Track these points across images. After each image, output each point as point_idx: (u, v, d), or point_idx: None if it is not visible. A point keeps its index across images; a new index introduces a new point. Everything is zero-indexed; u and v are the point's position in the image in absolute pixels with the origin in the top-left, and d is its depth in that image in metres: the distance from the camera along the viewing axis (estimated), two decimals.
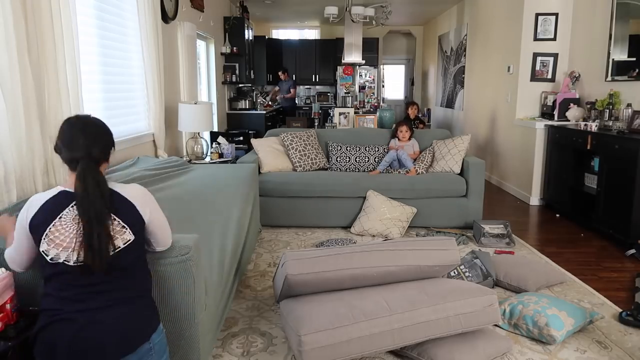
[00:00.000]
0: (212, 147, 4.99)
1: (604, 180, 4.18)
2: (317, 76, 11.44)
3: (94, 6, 3.43)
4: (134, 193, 1.65)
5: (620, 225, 3.93)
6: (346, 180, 4.40)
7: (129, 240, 1.58)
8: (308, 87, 11.70)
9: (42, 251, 1.52)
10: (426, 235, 4.19)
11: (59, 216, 1.53)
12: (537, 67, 5.64)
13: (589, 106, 4.93)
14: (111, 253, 1.52)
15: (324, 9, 6.80)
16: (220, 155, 4.89)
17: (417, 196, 4.36)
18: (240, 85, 8.26)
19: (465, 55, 8.19)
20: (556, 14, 5.47)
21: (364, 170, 4.73)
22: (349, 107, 8.34)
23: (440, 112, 10.08)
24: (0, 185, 2.22)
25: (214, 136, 5.64)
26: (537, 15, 5.52)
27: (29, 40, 2.41)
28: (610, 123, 4.39)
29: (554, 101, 5.31)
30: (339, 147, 4.79)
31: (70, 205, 1.53)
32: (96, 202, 1.50)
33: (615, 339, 2.53)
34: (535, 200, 5.46)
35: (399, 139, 4.78)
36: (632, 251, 3.76)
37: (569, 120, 5.06)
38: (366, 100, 9.01)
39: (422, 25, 11.78)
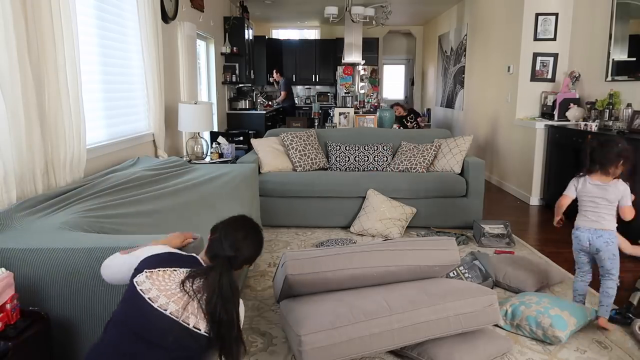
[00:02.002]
0: (212, 147, 4.99)
1: None
2: (317, 76, 11.44)
3: (94, 6, 3.43)
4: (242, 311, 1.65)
5: (620, 226, 3.92)
6: (346, 180, 4.40)
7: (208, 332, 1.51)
8: (308, 87, 11.70)
9: (137, 285, 1.47)
10: (426, 235, 4.19)
11: (173, 268, 1.53)
12: (537, 67, 5.64)
13: (589, 106, 4.94)
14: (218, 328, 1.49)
15: (324, 9, 6.80)
16: (220, 155, 4.89)
17: (417, 196, 4.36)
18: (240, 85, 8.26)
19: (465, 55, 8.19)
20: (556, 14, 5.47)
21: (364, 170, 4.73)
22: (349, 107, 8.34)
23: (440, 112, 10.08)
24: (0, 185, 2.22)
25: (214, 136, 5.64)
26: (537, 15, 5.52)
27: (29, 40, 2.41)
28: (610, 123, 4.39)
29: (554, 101, 5.31)
30: (338, 147, 4.79)
31: (191, 272, 1.53)
32: (227, 305, 1.49)
33: (615, 339, 2.53)
34: (535, 200, 5.46)
35: (598, 179, 2.57)
36: None
37: (569, 120, 5.06)
38: (366, 100, 9.01)
39: (422, 25, 11.78)
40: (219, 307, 1.47)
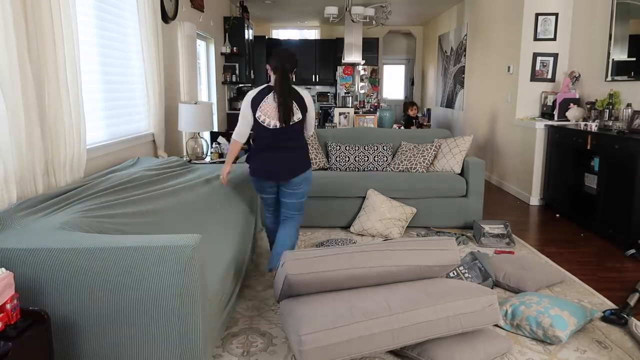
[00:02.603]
0: (212, 147, 4.99)
1: (604, 180, 4.18)
2: (317, 76, 11.44)
3: (93, 6, 3.43)
4: (307, 97, 3.07)
5: (620, 225, 3.93)
6: (346, 180, 4.40)
7: (300, 118, 3.01)
8: (308, 87, 11.70)
9: (256, 117, 2.97)
10: (426, 235, 4.19)
11: (266, 98, 2.97)
12: (537, 67, 5.64)
13: (589, 106, 4.94)
14: (290, 123, 2.97)
15: (324, 9, 6.82)
16: (221, 155, 4.89)
17: (417, 196, 4.36)
18: (240, 85, 8.26)
19: (465, 55, 8.19)
20: (556, 14, 5.48)
21: (364, 170, 4.73)
22: (349, 107, 8.34)
23: (440, 112, 10.08)
24: (0, 185, 2.21)
25: (214, 136, 5.63)
26: (537, 15, 5.52)
27: (29, 40, 2.41)
28: (610, 123, 4.39)
29: (554, 101, 5.32)
30: (338, 147, 4.79)
31: (271, 93, 2.97)
32: (285, 94, 2.94)
33: (615, 339, 2.53)
34: (535, 200, 5.46)
35: None
36: (632, 251, 3.76)
37: (569, 120, 5.06)
38: (366, 100, 9.01)
39: (422, 25, 11.78)
40: (284, 93, 2.97)
